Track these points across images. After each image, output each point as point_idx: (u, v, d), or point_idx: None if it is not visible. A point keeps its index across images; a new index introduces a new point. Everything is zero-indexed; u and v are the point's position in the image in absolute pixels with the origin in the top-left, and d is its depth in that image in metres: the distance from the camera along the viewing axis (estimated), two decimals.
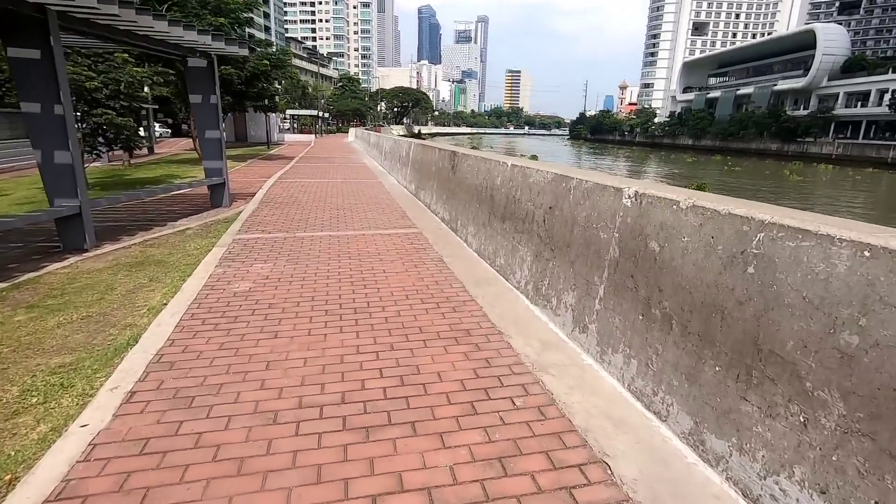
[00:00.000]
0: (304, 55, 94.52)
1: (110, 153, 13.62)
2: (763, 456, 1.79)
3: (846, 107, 62.68)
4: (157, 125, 31.53)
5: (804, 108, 67.62)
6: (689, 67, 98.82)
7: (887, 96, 54.77)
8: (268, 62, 23.41)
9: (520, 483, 1.96)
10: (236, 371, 2.80)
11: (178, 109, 25.30)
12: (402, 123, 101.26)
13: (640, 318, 2.52)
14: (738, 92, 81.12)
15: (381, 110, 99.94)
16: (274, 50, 30.47)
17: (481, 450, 2.16)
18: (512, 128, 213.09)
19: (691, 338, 2.17)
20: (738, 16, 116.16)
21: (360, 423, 2.33)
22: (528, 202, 4.07)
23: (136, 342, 3.16)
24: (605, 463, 2.09)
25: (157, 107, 24.24)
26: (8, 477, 1.96)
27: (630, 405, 2.51)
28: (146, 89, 16.20)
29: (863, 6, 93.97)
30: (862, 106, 60.29)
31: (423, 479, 1.98)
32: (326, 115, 71.93)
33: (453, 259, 5.25)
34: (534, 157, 28.65)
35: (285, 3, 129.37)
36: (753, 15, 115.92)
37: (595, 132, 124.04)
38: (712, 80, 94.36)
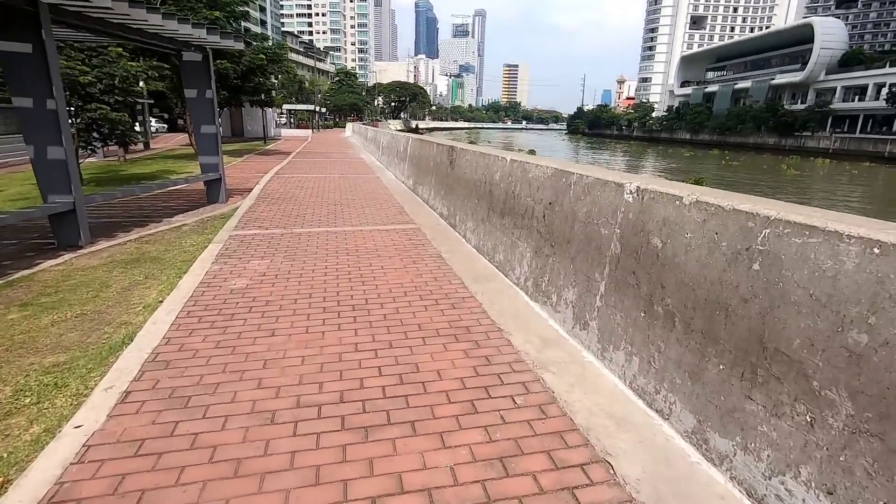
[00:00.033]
0: (301, 49, 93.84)
1: (105, 148, 13.50)
2: (768, 455, 1.77)
3: (844, 101, 62.59)
4: (153, 120, 31.33)
5: (802, 103, 67.54)
6: (686, 61, 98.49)
7: (884, 90, 54.72)
8: (264, 56, 23.21)
9: (521, 484, 1.93)
10: (233, 370, 2.76)
11: (174, 104, 25.12)
12: (400, 118, 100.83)
13: (642, 315, 2.50)
14: (736, 86, 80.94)
15: (378, 105, 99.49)
16: (270, 44, 30.20)
17: (482, 449, 2.13)
18: (509, 122, 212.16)
19: (694, 335, 2.14)
20: (735, 9, 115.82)
21: (359, 423, 2.30)
22: (527, 197, 4.03)
23: (132, 340, 3.12)
24: (607, 462, 2.06)
25: (152, 102, 24.05)
26: (0, 480, 1.93)
27: (632, 403, 2.49)
28: (141, 84, 16.04)
29: (860, 0, 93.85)
30: (859, 100, 60.24)
31: (423, 479, 1.95)
32: (323, 109, 71.58)
33: (452, 255, 5.22)
34: (531, 152, 28.56)
35: None
36: (751, 9, 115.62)
37: (593, 127, 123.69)
38: (710, 75, 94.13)
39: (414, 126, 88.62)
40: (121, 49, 11.33)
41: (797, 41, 70.81)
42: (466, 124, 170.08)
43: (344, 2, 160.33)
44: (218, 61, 18.49)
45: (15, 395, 2.53)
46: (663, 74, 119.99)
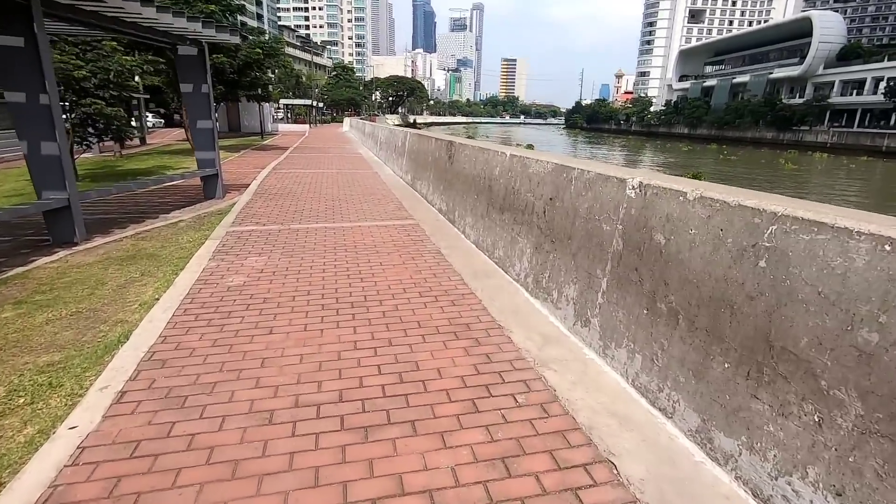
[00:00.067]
0: (298, 44, 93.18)
1: (101, 144, 13.39)
2: (775, 455, 1.74)
3: (842, 95, 62.52)
4: (149, 115, 31.10)
5: (800, 97, 67.48)
6: (685, 56, 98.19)
7: (882, 84, 54.68)
8: (260, 50, 23.01)
9: (524, 484, 1.91)
10: (230, 369, 2.72)
11: (171, 99, 24.90)
12: (397, 113, 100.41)
13: (645, 312, 2.46)
14: (734, 80, 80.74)
15: (375, 99, 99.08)
16: (266, 38, 29.99)
17: (483, 450, 2.10)
18: (508, 117, 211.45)
19: (699, 333, 2.11)
20: (734, 3, 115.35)
21: (358, 423, 2.27)
22: (527, 193, 3.99)
23: (127, 339, 3.08)
24: (610, 462, 2.04)
25: (148, 96, 23.85)
26: None
27: (635, 401, 2.46)
28: (137, 78, 15.89)
29: None
30: (857, 94, 60.21)
31: (424, 481, 1.92)
32: (321, 104, 71.19)
33: (451, 251, 5.18)
34: (530, 147, 28.46)
35: None
36: (750, 2, 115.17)
37: (591, 121, 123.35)
38: (708, 69, 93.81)
39: (412, 121, 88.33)
40: (115, 43, 11.20)
41: (795, 35, 70.64)
42: (464, 119, 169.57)
43: None
44: (214, 56, 18.30)
45: (8, 396, 2.49)
46: (661, 69, 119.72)
